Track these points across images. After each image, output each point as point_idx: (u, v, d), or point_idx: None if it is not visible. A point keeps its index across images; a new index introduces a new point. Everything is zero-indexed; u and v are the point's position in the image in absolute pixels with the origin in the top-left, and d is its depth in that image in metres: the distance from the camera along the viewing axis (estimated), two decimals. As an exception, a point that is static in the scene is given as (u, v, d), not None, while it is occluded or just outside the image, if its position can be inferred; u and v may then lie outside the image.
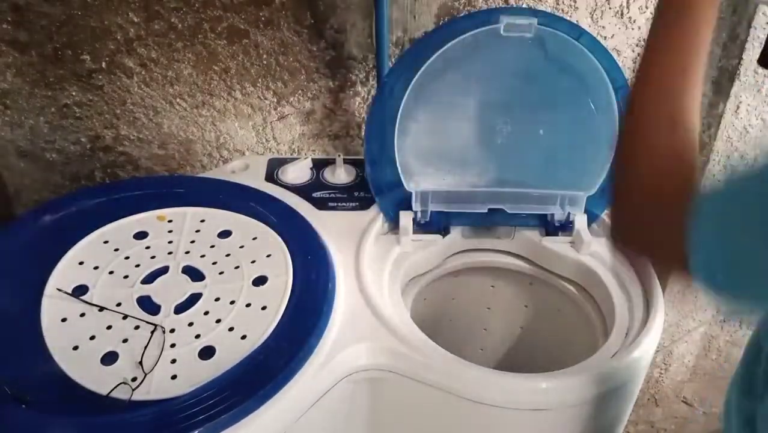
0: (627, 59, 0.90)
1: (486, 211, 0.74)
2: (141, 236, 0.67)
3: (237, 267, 0.63)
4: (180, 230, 0.68)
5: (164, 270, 0.63)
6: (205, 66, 0.85)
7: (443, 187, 0.75)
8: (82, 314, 0.57)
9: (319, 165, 0.83)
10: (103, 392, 0.50)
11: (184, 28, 0.82)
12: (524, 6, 0.85)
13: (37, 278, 0.60)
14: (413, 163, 0.74)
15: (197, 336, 0.56)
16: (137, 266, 0.63)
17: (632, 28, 0.88)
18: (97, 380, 0.51)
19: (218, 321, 0.57)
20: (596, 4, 0.85)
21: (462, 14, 0.84)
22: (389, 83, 0.70)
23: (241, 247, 0.66)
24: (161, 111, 0.88)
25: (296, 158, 0.83)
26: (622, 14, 0.86)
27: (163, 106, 0.88)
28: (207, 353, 0.54)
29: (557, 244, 0.75)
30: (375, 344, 0.59)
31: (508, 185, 0.74)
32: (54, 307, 0.58)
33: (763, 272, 0.33)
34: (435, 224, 0.75)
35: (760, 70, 0.90)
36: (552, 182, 0.74)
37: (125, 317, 0.57)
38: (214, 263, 0.64)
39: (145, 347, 0.54)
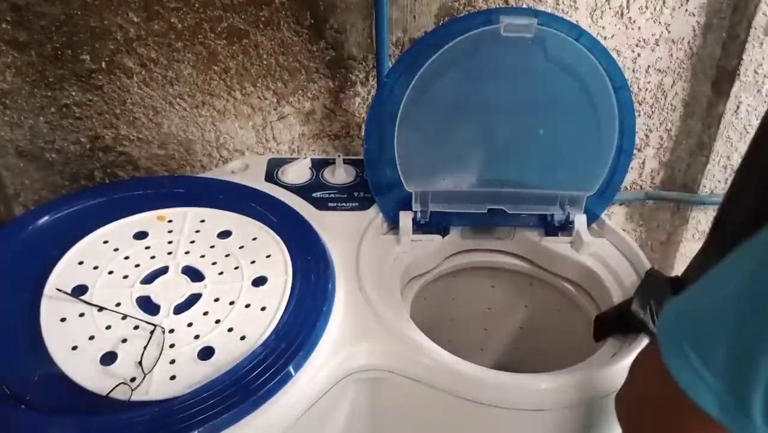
0: (627, 59, 0.90)
1: (486, 211, 0.74)
2: (141, 236, 0.67)
3: (236, 267, 0.63)
4: (180, 230, 0.68)
5: (164, 270, 0.63)
6: (205, 66, 0.85)
7: (443, 188, 0.75)
8: (82, 314, 0.57)
9: (319, 165, 0.83)
10: (103, 392, 0.50)
11: (184, 28, 0.82)
12: (524, 6, 0.85)
13: (37, 278, 0.60)
14: (413, 163, 0.74)
15: (196, 337, 0.56)
16: (137, 266, 0.63)
17: (632, 29, 0.88)
18: (97, 381, 0.51)
19: (217, 322, 0.57)
20: (596, 4, 0.85)
21: (462, 14, 0.84)
22: (389, 83, 0.70)
23: (241, 247, 0.66)
24: (161, 111, 0.88)
25: (296, 158, 0.83)
26: (622, 14, 0.86)
27: (163, 106, 0.88)
28: (206, 353, 0.54)
29: (557, 244, 0.75)
30: (375, 344, 0.59)
31: (508, 186, 0.74)
32: (53, 307, 0.57)
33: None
34: (435, 224, 0.75)
35: (761, 70, 0.90)
36: (552, 183, 0.74)
37: (125, 317, 0.57)
38: (214, 264, 0.64)
39: (145, 348, 0.54)
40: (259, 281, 0.62)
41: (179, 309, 0.59)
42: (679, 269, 1.08)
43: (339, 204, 0.77)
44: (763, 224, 0.33)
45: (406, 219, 0.73)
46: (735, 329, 0.32)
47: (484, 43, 0.68)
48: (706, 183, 1.00)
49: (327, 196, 0.78)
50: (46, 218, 0.67)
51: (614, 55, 0.84)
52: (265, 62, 0.86)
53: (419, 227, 0.75)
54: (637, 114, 0.94)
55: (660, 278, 0.65)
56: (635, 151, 0.99)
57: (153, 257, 0.64)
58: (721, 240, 0.57)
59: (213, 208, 0.71)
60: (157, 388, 0.51)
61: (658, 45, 0.89)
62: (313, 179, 0.81)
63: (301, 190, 0.78)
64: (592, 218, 0.76)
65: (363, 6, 0.82)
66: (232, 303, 0.59)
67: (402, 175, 0.73)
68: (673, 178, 1.02)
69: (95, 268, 0.62)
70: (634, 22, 0.87)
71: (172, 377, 0.52)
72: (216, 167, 0.94)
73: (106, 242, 0.65)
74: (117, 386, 0.50)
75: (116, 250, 0.64)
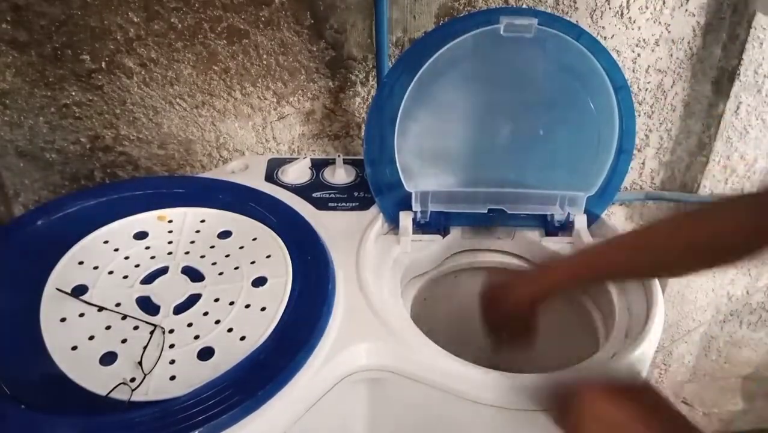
0: (627, 59, 0.90)
1: (486, 211, 0.74)
2: (141, 236, 0.67)
3: (236, 268, 0.63)
4: (180, 230, 0.68)
5: (164, 270, 0.63)
6: (205, 66, 0.85)
7: (443, 188, 0.75)
8: (82, 314, 0.57)
9: (318, 165, 0.83)
10: (103, 392, 0.50)
11: (184, 28, 0.82)
12: (524, 6, 0.85)
13: (37, 278, 0.60)
14: (413, 164, 0.74)
15: (196, 337, 0.56)
16: (137, 266, 0.63)
17: (632, 28, 0.88)
18: (97, 381, 0.51)
19: (217, 322, 0.57)
20: (596, 4, 0.85)
21: (462, 14, 0.84)
22: (389, 83, 0.70)
23: (241, 247, 0.66)
24: (161, 111, 0.88)
25: (296, 158, 0.83)
26: (622, 14, 0.86)
27: (163, 106, 0.88)
28: (206, 353, 0.54)
29: (557, 244, 0.75)
30: (375, 344, 0.59)
31: (508, 186, 0.74)
32: (53, 307, 0.57)
33: None
34: (435, 224, 0.75)
35: (761, 70, 0.90)
36: (552, 183, 0.74)
37: (124, 317, 0.57)
38: (214, 264, 0.64)
39: (145, 348, 0.54)
40: (259, 282, 0.62)
41: (179, 309, 0.59)
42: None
43: (339, 204, 0.77)
44: None
45: (406, 219, 0.73)
46: None
47: (484, 44, 0.68)
48: (706, 183, 1.00)
49: (327, 196, 0.78)
50: (46, 218, 0.67)
51: (614, 55, 0.84)
52: (265, 62, 0.86)
53: (419, 227, 0.75)
54: (637, 114, 0.94)
55: None
56: (635, 152, 0.99)
57: (153, 257, 0.64)
58: None
59: (213, 209, 0.71)
60: (156, 388, 0.51)
61: (658, 45, 0.89)
62: (313, 179, 0.81)
63: (301, 190, 0.78)
64: (592, 218, 0.76)
65: (363, 6, 0.82)
66: (232, 303, 0.59)
67: (402, 175, 0.73)
68: (673, 179, 1.02)
69: (95, 268, 0.62)
70: (634, 22, 0.87)
71: (172, 378, 0.52)
72: (216, 167, 0.94)
73: (106, 241, 0.65)
74: (117, 386, 0.50)
75: (116, 250, 0.64)
